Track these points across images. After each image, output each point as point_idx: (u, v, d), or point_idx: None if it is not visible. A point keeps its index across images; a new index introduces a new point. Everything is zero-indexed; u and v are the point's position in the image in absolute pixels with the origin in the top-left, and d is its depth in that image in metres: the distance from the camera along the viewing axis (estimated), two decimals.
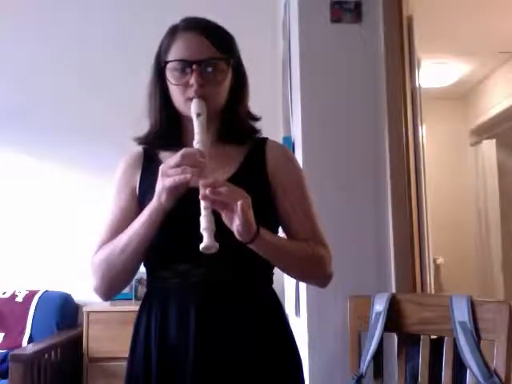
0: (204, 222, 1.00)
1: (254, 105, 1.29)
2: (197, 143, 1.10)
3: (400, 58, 2.20)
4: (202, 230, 1.00)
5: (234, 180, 1.12)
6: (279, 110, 3.16)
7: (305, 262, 1.20)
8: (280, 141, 2.49)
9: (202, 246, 0.99)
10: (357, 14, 2.20)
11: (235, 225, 1.02)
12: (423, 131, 2.40)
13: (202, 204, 1.02)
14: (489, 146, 4.99)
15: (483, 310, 1.60)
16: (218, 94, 1.18)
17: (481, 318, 1.59)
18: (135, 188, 1.23)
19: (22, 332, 3.03)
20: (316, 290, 1.30)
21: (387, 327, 1.76)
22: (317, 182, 1.93)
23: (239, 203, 1.00)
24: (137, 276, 1.21)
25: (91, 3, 3.52)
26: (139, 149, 1.29)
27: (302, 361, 1.25)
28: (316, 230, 1.24)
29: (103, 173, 2.95)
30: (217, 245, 0.99)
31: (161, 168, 1.06)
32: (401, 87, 2.19)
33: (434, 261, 4.14)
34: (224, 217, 1.03)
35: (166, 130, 1.23)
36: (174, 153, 1.07)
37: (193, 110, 1.15)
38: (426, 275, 2.20)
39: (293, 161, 1.31)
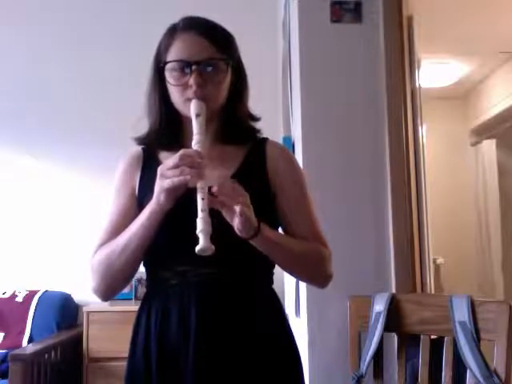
0: (200, 224, 1.00)
1: (254, 105, 1.29)
2: (196, 144, 1.10)
3: (400, 58, 2.20)
4: (198, 232, 1.00)
5: None
6: (279, 110, 3.15)
7: (306, 260, 1.20)
8: (280, 141, 2.50)
9: (197, 248, 0.99)
10: (357, 14, 2.20)
11: (235, 223, 1.02)
12: (423, 131, 2.40)
13: (199, 206, 1.02)
14: (489, 146, 4.98)
15: (483, 310, 1.60)
16: (217, 94, 1.18)
17: (481, 317, 1.59)
18: (135, 188, 1.23)
19: (22, 332, 3.03)
20: (316, 290, 1.30)
21: (387, 327, 1.76)
22: (317, 181, 1.93)
23: (239, 203, 1.00)
24: (137, 276, 1.21)
25: (92, 3, 3.52)
26: (139, 149, 1.29)
27: (302, 361, 1.25)
28: (315, 229, 1.24)
29: (103, 173, 2.95)
30: (213, 247, 0.99)
31: (159, 169, 1.06)
32: (401, 87, 2.19)
33: (434, 261, 4.13)
34: (224, 214, 1.03)
35: (166, 131, 1.23)
36: (174, 153, 1.07)
37: (192, 110, 1.14)
38: (425, 275, 2.20)
39: (292, 161, 1.31)
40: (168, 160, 1.07)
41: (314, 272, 1.23)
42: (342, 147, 2.17)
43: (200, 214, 1.01)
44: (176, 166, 1.03)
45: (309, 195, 1.26)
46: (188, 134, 1.17)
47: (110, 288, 1.19)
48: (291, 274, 1.27)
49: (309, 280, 1.33)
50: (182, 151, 1.05)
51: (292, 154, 1.39)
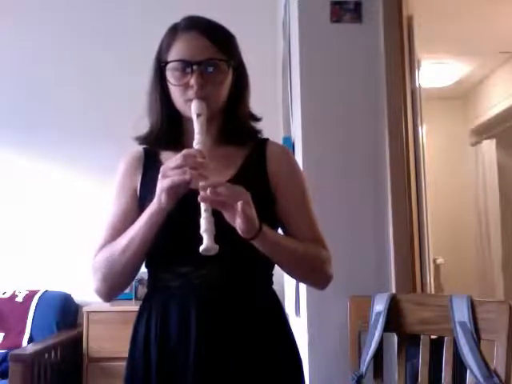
0: (204, 223, 1.00)
1: (254, 105, 1.29)
2: (197, 144, 1.10)
3: (400, 58, 2.20)
4: (201, 231, 1.00)
5: (234, 181, 1.12)
6: (279, 110, 3.16)
7: (306, 261, 1.20)
8: (280, 141, 2.50)
9: (201, 247, 0.99)
10: (357, 14, 2.19)
11: (237, 222, 1.02)
12: (423, 131, 2.40)
13: (202, 206, 1.02)
14: (489, 146, 4.98)
15: (483, 310, 1.60)
16: (218, 94, 1.18)
17: (481, 317, 1.59)
18: (136, 189, 1.23)
19: (22, 332, 3.03)
20: (316, 290, 1.30)
21: (387, 327, 1.77)
22: (317, 182, 1.93)
23: (239, 201, 1.00)
24: (137, 276, 1.20)
25: (92, 3, 3.52)
26: (139, 149, 1.29)
27: (302, 361, 1.25)
28: (316, 231, 1.24)
29: (103, 173, 2.96)
30: (216, 247, 0.99)
31: (161, 169, 1.06)
32: (401, 87, 2.19)
33: (434, 261, 4.13)
34: (226, 215, 1.03)
35: (167, 130, 1.23)
36: (175, 153, 1.08)
37: (193, 110, 1.14)
38: (425, 275, 2.20)
39: (293, 162, 1.31)
40: (170, 160, 1.07)
41: (314, 273, 1.23)
42: (342, 147, 2.17)
43: (203, 213, 1.01)
44: (179, 167, 1.03)
45: (309, 197, 1.26)
46: (189, 134, 1.17)
47: (112, 289, 1.19)
48: (291, 275, 1.27)
49: (308, 281, 1.33)
50: (184, 151, 1.05)
51: (293, 155, 1.39)
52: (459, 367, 1.60)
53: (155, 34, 1.29)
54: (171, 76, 1.18)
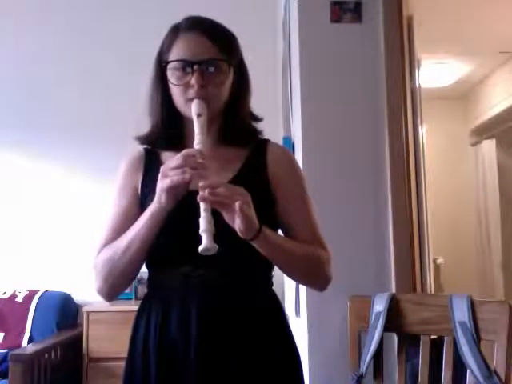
0: (203, 223, 1.00)
1: (255, 105, 1.29)
2: (197, 144, 1.10)
3: (400, 58, 2.20)
4: (201, 231, 1.00)
5: (234, 182, 1.12)
6: (279, 110, 3.16)
7: (306, 262, 1.20)
8: (280, 141, 2.50)
9: (201, 247, 0.99)
10: (357, 14, 2.20)
11: (237, 223, 1.02)
12: (423, 131, 2.40)
13: (202, 206, 1.02)
14: (489, 146, 4.99)
15: (483, 310, 1.60)
16: (219, 94, 1.18)
17: (481, 318, 1.60)
18: (137, 188, 1.23)
19: (22, 332, 3.03)
20: (316, 291, 1.30)
21: (387, 327, 1.77)
22: (317, 182, 1.93)
23: (238, 202, 1.00)
24: (137, 276, 1.21)
25: (92, 3, 3.52)
26: (140, 149, 1.29)
27: (302, 361, 1.25)
28: (316, 232, 1.24)
29: (103, 173, 2.96)
30: (216, 246, 0.99)
31: (161, 169, 1.06)
32: (401, 87, 2.19)
33: (434, 261, 4.14)
34: (225, 216, 1.03)
35: (168, 130, 1.23)
36: (176, 153, 1.08)
37: (193, 110, 1.14)
38: (425, 275, 2.20)
39: (293, 163, 1.30)
40: (170, 160, 1.07)
41: (313, 275, 1.23)
42: (341, 147, 2.17)
43: (202, 213, 1.01)
44: (179, 167, 1.03)
45: (309, 198, 1.26)
46: (190, 134, 1.17)
47: (114, 288, 1.19)
48: (290, 276, 1.26)
49: (308, 283, 1.33)
50: (184, 151, 1.06)
51: (293, 156, 1.39)
52: (459, 367, 1.61)
53: (155, 34, 1.29)
54: (172, 76, 1.18)
